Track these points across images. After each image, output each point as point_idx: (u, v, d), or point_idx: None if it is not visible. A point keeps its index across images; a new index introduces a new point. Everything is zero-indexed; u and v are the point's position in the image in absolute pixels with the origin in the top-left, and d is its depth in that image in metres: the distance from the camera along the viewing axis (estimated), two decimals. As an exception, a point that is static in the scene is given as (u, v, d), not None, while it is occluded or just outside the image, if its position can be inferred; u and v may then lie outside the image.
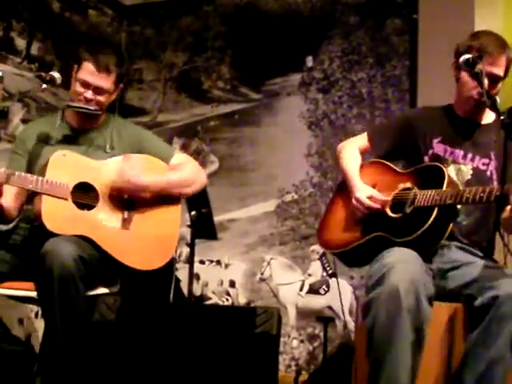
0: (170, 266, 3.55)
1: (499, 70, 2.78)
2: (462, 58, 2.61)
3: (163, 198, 3.09)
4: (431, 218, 2.59)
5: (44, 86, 3.03)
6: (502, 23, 4.40)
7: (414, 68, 4.78)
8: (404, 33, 4.89)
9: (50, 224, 2.82)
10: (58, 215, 2.87)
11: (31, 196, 2.98)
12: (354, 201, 2.86)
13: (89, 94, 3.07)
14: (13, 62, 5.03)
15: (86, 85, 3.07)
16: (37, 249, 2.80)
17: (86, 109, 3.06)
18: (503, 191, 2.44)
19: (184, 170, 3.17)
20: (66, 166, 2.97)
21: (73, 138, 3.16)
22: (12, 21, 5.03)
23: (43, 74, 3.02)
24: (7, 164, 3.09)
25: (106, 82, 3.09)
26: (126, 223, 3.00)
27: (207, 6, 5.64)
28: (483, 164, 2.85)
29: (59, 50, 5.26)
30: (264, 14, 5.41)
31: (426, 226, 2.59)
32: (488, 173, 2.84)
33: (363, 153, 3.12)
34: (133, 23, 5.87)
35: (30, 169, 3.04)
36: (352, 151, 3.10)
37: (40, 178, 2.87)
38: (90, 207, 2.97)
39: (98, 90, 3.08)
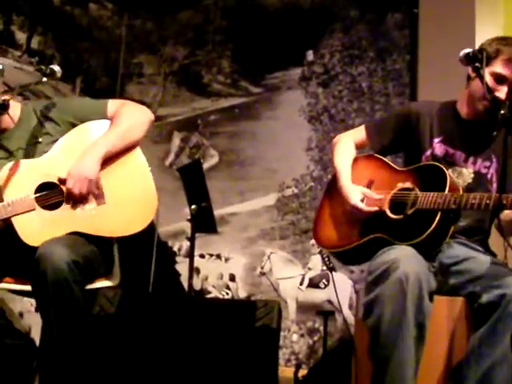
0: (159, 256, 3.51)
1: None
2: (462, 53, 2.57)
3: (119, 155, 2.96)
4: (434, 223, 2.55)
5: (44, 79, 3.01)
6: (502, 19, 4.40)
7: (415, 62, 4.77)
8: (404, 27, 4.88)
9: (32, 241, 2.75)
10: (35, 228, 2.79)
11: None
12: (350, 208, 2.79)
13: None
14: (13, 55, 5.03)
15: None
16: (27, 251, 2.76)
17: None
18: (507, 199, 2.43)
19: (124, 116, 3.01)
20: (18, 177, 2.86)
21: (5, 145, 3.03)
22: (12, 14, 5.03)
23: (43, 68, 3.00)
24: None
25: None
26: (99, 199, 2.90)
27: (208, -1, 5.65)
28: (484, 167, 2.80)
29: (59, 44, 5.26)
30: (264, 8, 5.41)
31: (429, 230, 2.54)
32: (489, 176, 2.80)
33: (360, 147, 3.06)
34: (133, 17, 5.87)
35: None
36: (347, 145, 3.03)
37: (1, 205, 2.79)
38: (60, 203, 2.92)
39: None
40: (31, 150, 3.01)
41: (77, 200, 2.87)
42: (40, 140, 3.02)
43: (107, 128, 2.99)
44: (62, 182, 2.88)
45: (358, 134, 3.08)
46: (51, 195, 2.90)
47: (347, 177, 2.90)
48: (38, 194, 2.86)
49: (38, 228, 2.80)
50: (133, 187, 2.95)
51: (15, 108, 3.08)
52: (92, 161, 2.88)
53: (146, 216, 2.94)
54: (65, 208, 2.87)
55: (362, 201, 2.78)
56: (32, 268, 2.70)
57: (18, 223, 2.79)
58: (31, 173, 2.89)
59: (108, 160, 2.93)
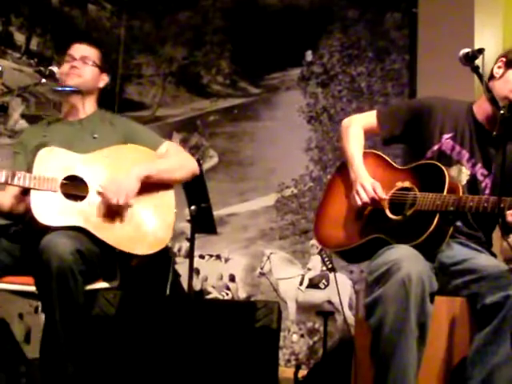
0: (168, 258, 3.56)
1: None
2: (461, 53, 2.56)
3: (155, 186, 3.08)
4: (433, 225, 2.54)
5: (43, 80, 3.03)
6: (501, 19, 4.41)
7: (414, 62, 4.77)
8: (403, 27, 4.88)
9: (40, 216, 2.82)
10: (48, 207, 2.86)
11: (25, 191, 2.98)
12: (358, 186, 2.77)
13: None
14: (12, 56, 5.03)
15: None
16: (32, 244, 2.80)
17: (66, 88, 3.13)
18: (508, 203, 2.42)
19: (172, 157, 3.17)
20: (54, 160, 2.97)
21: (65, 131, 3.17)
22: (11, 16, 5.04)
23: (42, 69, 3.03)
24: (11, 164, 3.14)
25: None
26: (119, 211, 2.99)
27: (206, 0, 5.64)
28: (481, 174, 2.78)
29: (58, 45, 5.26)
30: (263, 9, 5.41)
31: (427, 233, 2.54)
32: (483, 184, 2.77)
33: (368, 132, 3.01)
34: (132, 18, 5.87)
35: (30, 168, 3.05)
36: (358, 132, 2.99)
37: (27, 174, 2.88)
38: (81, 198, 2.96)
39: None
40: (84, 142, 3.11)
41: (108, 210, 2.94)
42: (95, 136, 3.15)
43: (155, 157, 3.15)
44: (100, 193, 2.96)
45: (369, 119, 3.03)
46: (76, 188, 2.96)
47: (362, 165, 2.87)
48: (64, 181, 2.93)
49: (51, 209, 2.87)
50: (154, 218, 3.05)
51: (90, 106, 3.25)
52: (134, 178, 2.99)
53: (152, 246, 3.03)
54: (84, 204, 2.93)
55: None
56: (35, 259, 2.72)
57: (35, 197, 2.87)
58: (68, 162, 2.99)
59: (144, 184, 3.03)
